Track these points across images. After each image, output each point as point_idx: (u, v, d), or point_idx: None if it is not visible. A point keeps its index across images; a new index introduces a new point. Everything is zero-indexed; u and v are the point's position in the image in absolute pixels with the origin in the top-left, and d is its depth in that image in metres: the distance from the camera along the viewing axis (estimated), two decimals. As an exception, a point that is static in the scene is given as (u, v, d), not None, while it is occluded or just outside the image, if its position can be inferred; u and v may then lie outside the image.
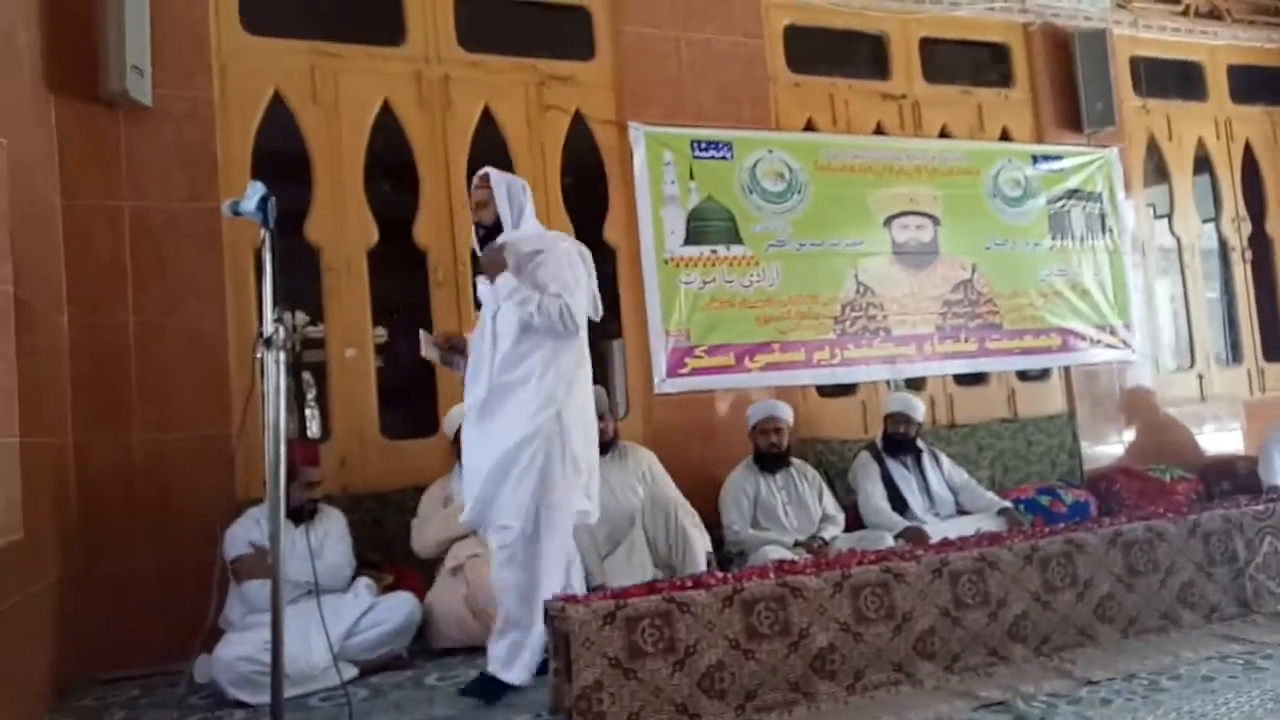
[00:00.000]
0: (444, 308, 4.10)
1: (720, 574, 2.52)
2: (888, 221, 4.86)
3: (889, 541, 3.66)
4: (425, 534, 3.50)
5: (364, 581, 3.23)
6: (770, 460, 4.00)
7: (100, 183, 3.48)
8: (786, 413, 4.07)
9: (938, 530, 3.77)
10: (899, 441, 4.20)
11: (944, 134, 5.11)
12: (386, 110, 4.07)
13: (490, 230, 2.87)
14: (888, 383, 4.83)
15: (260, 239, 2.28)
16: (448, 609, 3.24)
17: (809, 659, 2.34)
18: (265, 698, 2.34)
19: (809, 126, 4.83)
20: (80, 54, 3.39)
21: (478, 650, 2.94)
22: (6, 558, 2.52)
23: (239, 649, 2.79)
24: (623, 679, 2.20)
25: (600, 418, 3.58)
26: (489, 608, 2.98)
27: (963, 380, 5.02)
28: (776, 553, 3.55)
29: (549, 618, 2.47)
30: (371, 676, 3.01)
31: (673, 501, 3.59)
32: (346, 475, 3.83)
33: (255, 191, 2.25)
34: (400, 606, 3.15)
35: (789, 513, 3.96)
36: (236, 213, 2.30)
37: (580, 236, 4.32)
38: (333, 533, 3.26)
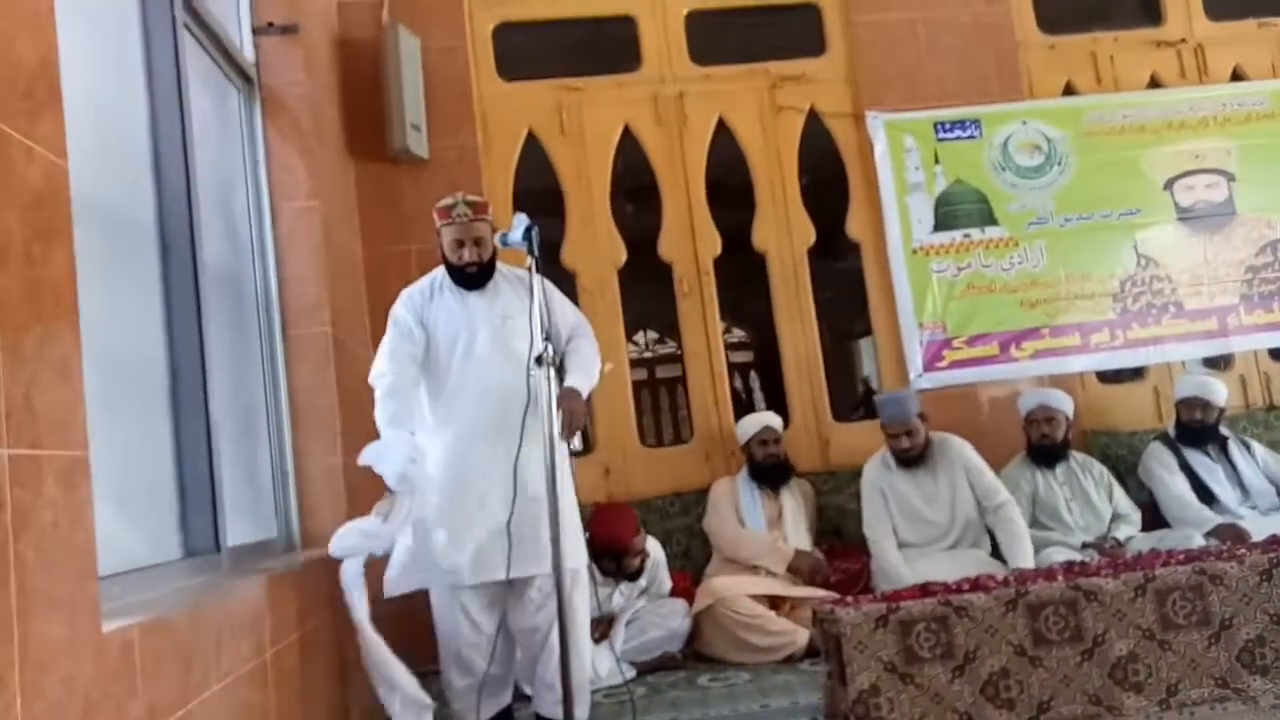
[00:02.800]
0: (690, 316, 4.21)
1: (1000, 576, 2.38)
2: (1169, 184, 4.34)
3: (1198, 541, 3.25)
4: (739, 548, 3.51)
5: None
6: (1046, 454, 3.70)
7: (391, 230, 3.95)
8: (1061, 401, 3.74)
9: (1260, 527, 3.29)
10: (1196, 430, 3.72)
11: (1236, 76, 4.49)
12: (627, 134, 4.26)
13: (484, 267, 2.64)
14: (1183, 364, 4.30)
15: (527, 266, 2.49)
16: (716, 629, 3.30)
17: (1107, 668, 2.14)
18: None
19: (1068, 90, 4.44)
20: (370, 120, 3.87)
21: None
22: (339, 562, 2.91)
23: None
24: (900, 684, 2.14)
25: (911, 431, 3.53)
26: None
27: (1281, 355, 4.36)
28: (1062, 554, 3.27)
29: (818, 620, 2.46)
30: (648, 676, 3.14)
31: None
32: (611, 484, 4.04)
33: (520, 223, 2.45)
34: (673, 611, 3.26)
35: (1073, 510, 3.64)
36: (505, 243, 2.52)
37: (821, 234, 4.32)
38: (660, 562, 3.44)
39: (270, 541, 2.80)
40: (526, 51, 4.31)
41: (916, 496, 3.57)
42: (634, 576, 3.26)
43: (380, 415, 2.55)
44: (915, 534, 3.53)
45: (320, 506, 3.02)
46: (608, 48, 4.40)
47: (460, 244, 2.61)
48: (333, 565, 2.80)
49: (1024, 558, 3.31)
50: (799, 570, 3.44)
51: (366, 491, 3.47)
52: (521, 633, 2.55)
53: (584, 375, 2.58)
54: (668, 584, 3.51)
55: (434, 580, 2.55)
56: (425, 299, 2.68)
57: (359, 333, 3.75)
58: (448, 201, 2.66)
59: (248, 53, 3.18)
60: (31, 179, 1.36)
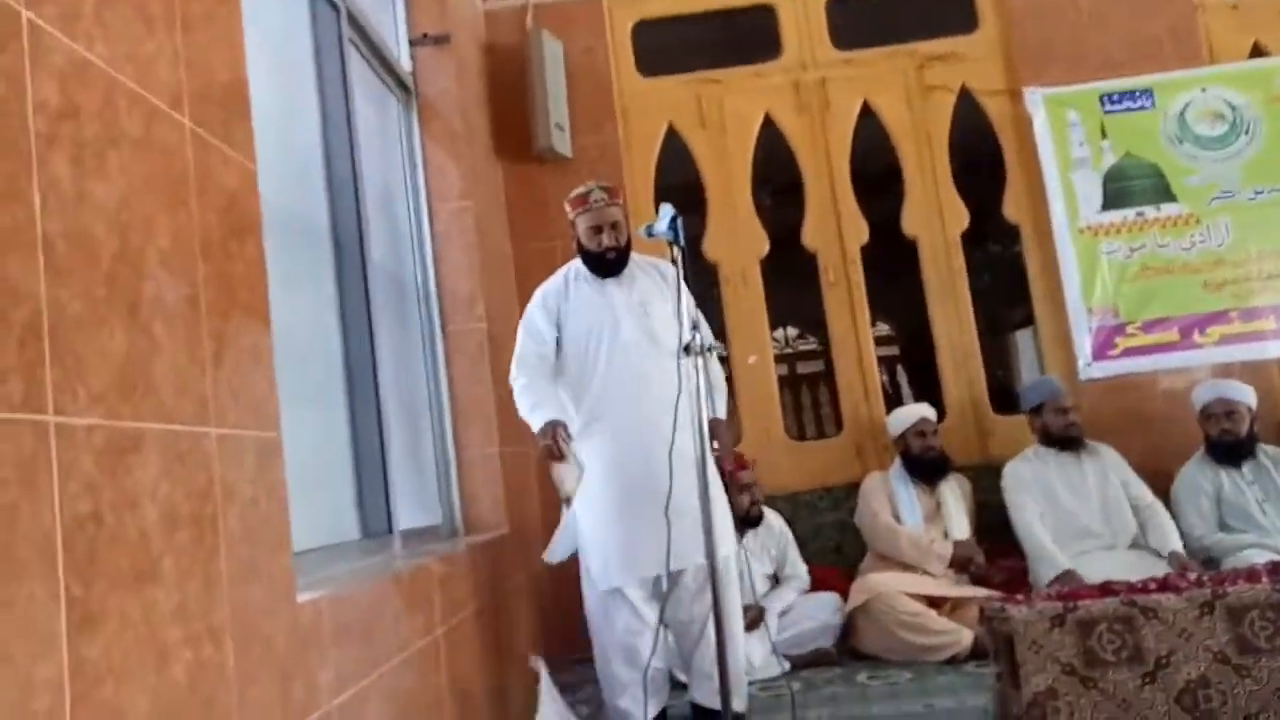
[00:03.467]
0: (836, 307, 4.11)
1: (1194, 576, 2.18)
2: (1379, 148, 3.88)
3: None
4: (895, 546, 3.39)
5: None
6: (1229, 450, 3.38)
7: (537, 227, 4.05)
8: (1241, 392, 3.41)
9: None
10: None
11: None
12: (768, 123, 4.21)
13: (622, 252, 2.65)
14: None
15: (672, 258, 2.48)
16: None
17: (1331, 681, 1.93)
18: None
19: (1256, 52, 4.05)
20: (516, 122, 3.99)
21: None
22: (498, 549, 3.02)
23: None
24: (1081, 688, 1.99)
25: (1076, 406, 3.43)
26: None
27: None
28: (1262, 558, 2.98)
29: (986, 619, 2.33)
30: (802, 670, 3.08)
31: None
32: (758, 476, 3.98)
33: (666, 213, 2.45)
34: (825, 605, 3.19)
35: (1267, 511, 3.31)
36: (651, 234, 2.52)
37: (976, 217, 4.12)
38: (788, 539, 3.42)
39: (435, 527, 2.93)
40: (665, 47, 4.32)
41: (1063, 486, 3.39)
42: (752, 522, 3.17)
43: (522, 408, 2.62)
44: (1061, 526, 3.33)
45: (480, 494, 3.14)
46: (747, 38, 4.35)
47: (598, 229, 2.63)
48: (490, 551, 2.90)
49: (1174, 543, 3.25)
50: (960, 562, 3.29)
51: (521, 477, 3.59)
52: (678, 623, 2.55)
53: (719, 396, 2.58)
54: (801, 566, 3.45)
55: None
56: (561, 295, 2.71)
57: (510, 327, 3.83)
58: (581, 190, 2.70)
59: (405, 63, 3.34)
60: (227, 181, 1.46)
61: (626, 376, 2.57)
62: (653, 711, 2.53)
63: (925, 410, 3.59)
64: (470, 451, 3.17)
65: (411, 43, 3.38)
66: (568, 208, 2.74)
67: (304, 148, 2.47)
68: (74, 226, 1.05)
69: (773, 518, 3.49)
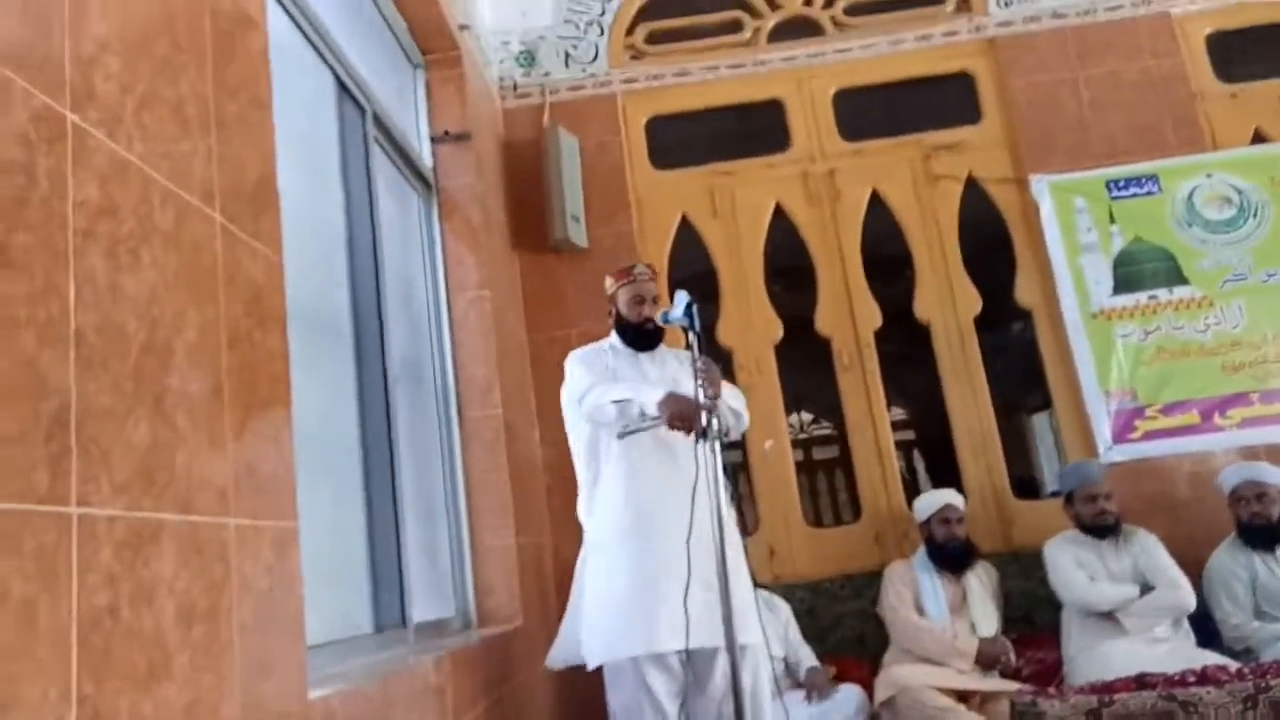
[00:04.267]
0: (851, 391, 4.10)
1: (1235, 668, 2.10)
2: (1386, 230, 3.91)
3: None
4: (918, 642, 3.30)
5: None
6: (1259, 534, 3.29)
7: (553, 316, 4.10)
8: (1271, 474, 3.34)
9: None
10: None
11: None
12: (779, 212, 4.29)
13: (659, 327, 2.63)
14: None
15: (689, 343, 2.50)
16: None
17: (1385, 781, 1.83)
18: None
19: (1258, 138, 4.13)
20: (532, 215, 4.08)
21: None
22: (512, 641, 2.95)
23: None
24: (1122, 788, 1.91)
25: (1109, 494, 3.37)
26: None
27: None
28: (1302, 646, 2.88)
29: (1016, 713, 2.25)
30: (827, 771, 2.96)
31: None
32: (777, 565, 3.91)
33: (681, 300, 2.48)
34: (850, 699, 3.08)
35: (1304, 597, 3.21)
36: (667, 321, 2.56)
37: (988, 303, 4.14)
38: (792, 623, 3.35)
39: (449, 619, 2.88)
40: (678, 141, 4.45)
41: (1101, 572, 3.29)
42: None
43: (616, 395, 2.47)
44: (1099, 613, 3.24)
45: (495, 585, 3.09)
46: (757, 132, 4.48)
47: (640, 301, 2.67)
48: (505, 644, 2.84)
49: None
50: (986, 660, 3.19)
51: (537, 569, 3.54)
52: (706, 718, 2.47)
53: (731, 397, 2.56)
54: (805, 649, 3.37)
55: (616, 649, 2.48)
56: (599, 357, 2.71)
57: (526, 414, 3.87)
58: (624, 265, 2.79)
59: (426, 159, 3.44)
60: (254, 273, 1.50)
61: (651, 448, 2.55)
62: None
63: (951, 496, 3.53)
64: (486, 541, 3.13)
65: (433, 140, 3.50)
66: (609, 282, 2.79)
67: (328, 240, 2.54)
68: (105, 320, 1.07)
69: (775, 600, 3.40)
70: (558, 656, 2.62)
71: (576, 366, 2.68)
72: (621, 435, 2.47)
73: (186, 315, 1.26)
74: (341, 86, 2.65)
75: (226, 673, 1.21)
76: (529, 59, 4.36)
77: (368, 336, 2.57)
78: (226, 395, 1.33)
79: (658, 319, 2.61)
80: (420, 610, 2.56)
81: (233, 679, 1.22)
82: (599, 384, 2.56)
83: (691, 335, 2.42)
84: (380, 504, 2.45)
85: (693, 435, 2.30)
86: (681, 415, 2.32)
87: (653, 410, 2.38)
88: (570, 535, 3.84)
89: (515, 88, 4.33)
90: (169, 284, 1.22)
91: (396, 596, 2.39)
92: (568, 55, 4.38)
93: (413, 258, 3.26)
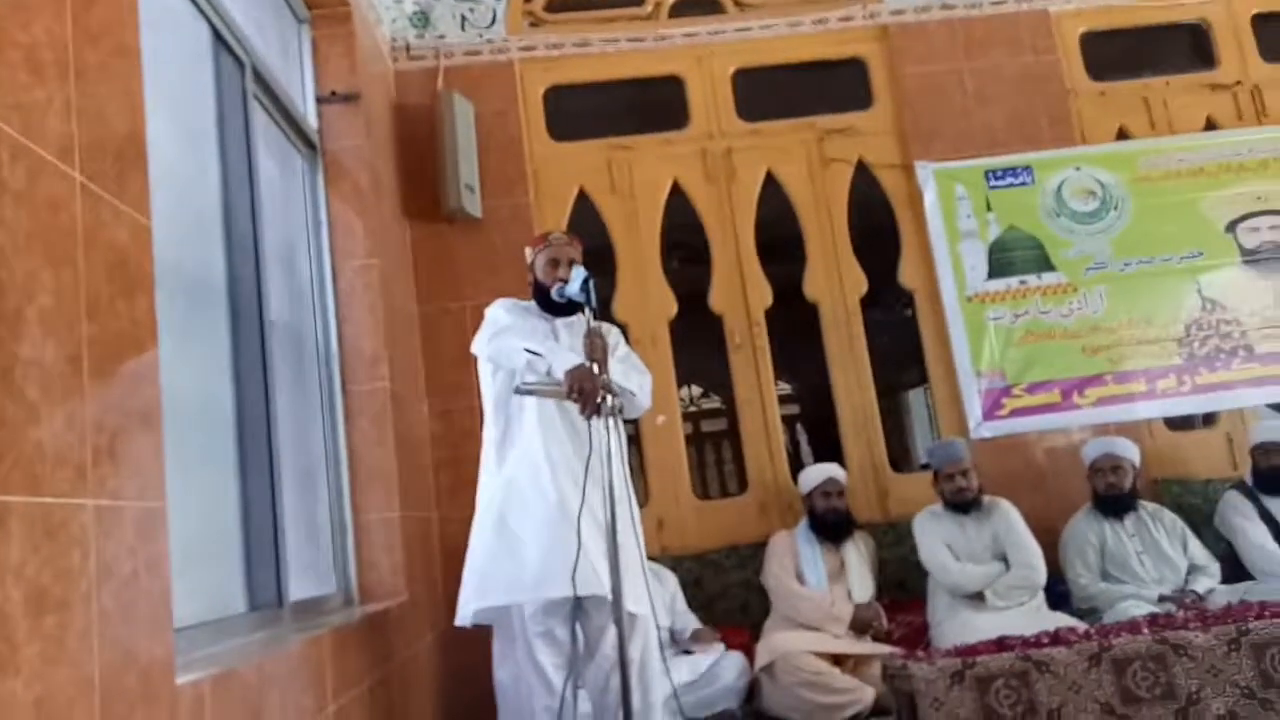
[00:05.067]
0: (742, 369, 4.18)
1: (1082, 629, 2.27)
2: (1231, 227, 4.25)
3: (1287, 594, 3.09)
4: (796, 609, 3.42)
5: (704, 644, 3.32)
6: (1113, 504, 3.57)
7: (445, 288, 4.01)
8: (1127, 449, 3.63)
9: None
10: (1274, 477, 3.57)
11: (1296, 116, 4.41)
12: (676, 190, 4.31)
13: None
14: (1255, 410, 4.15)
15: (586, 319, 2.49)
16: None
17: (1205, 730, 2.03)
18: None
19: (1121, 135, 4.40)
20: (425, 182, 3.97)
21: None
22: (395, 617, 2.91)
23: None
24: (980, 745, 2.04)
25: (967, 471, 3.56)
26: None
27: (1360, 400, 4.19)
28: (1140, 609, 3.13)
29: (888, 676, 2.37)
30: (709, 732, 3.05)
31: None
32: (665, 537, 3.98)
33: (578, 275, 2.48)
34: (731, 665, 3.18)
35: (1145, 563, 3.50)
36: (564, 296, 2.54)
37: (874, 283, 4.30)
38: (677, 592, 3.41)
39: (329, 596, 2.80)
40: (577, 113, 4.40)
41: (964, 546, 3.50)
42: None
43: (531, 344, 2.46)
44: None
45: (379, 560, 3.02)
46: (656, 107, 4.48)
47: (556, 264, 2.63)
48: (387, 621, 2.79)
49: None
50: (860, 625, 3.34)
51: (424, 543, 3.49)
52: (596, 693, 2.49)
53: (625, 375, 2.55)
54: (690, 618, 3.48)
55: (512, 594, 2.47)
56: (519, 309, 2.68)
57: (415, 388, 3.79)
58: (541, 232, 2.82)
59: (311, 120, 3.29)
60: (118, 237, 1.40)
61: (557, 414, 2.53)
62: None
63: (833, 471, 3.67)
64: (369, 516, 3.06)
65: (319, 99, 3.34)
66: (528, 251, 2.78)
67: (203, 202, 2.40)
68: (-58, 285, 0.98)
69: (663, 571, 3.48)
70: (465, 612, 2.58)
71: (497, 309, 2.67)
72: (518, 391, 2.46)
73: (40, 279, 1.17)
74: (218, 38, 2.50)
75: (83, 663, 1.14)
76: (423, 20, 4.22)
77: (245, 304, 2.45)
78: (86, 366, 1.24)
79: (554, 294, 2.59)
80: (299, 588, 2.49)
81: (91, 670, 1.15)
82: (518, 330, 2.54)
83: (587, 310, 2.42)
84: (256, 479, 2.35)
85: (587, 411, 2.31)
86: (581, 389, 2.32)
87: (559, 374, 2.36)
88: (458, 509, 3.81)
89: (408, 49, 4.18)
90: (19, 247, 1.13)
91: (272, 574, 2.31)
92: (464, 19, 4.25)
93: (295, 223, 3.12)
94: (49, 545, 1.10)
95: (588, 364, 2.36)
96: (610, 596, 2.27)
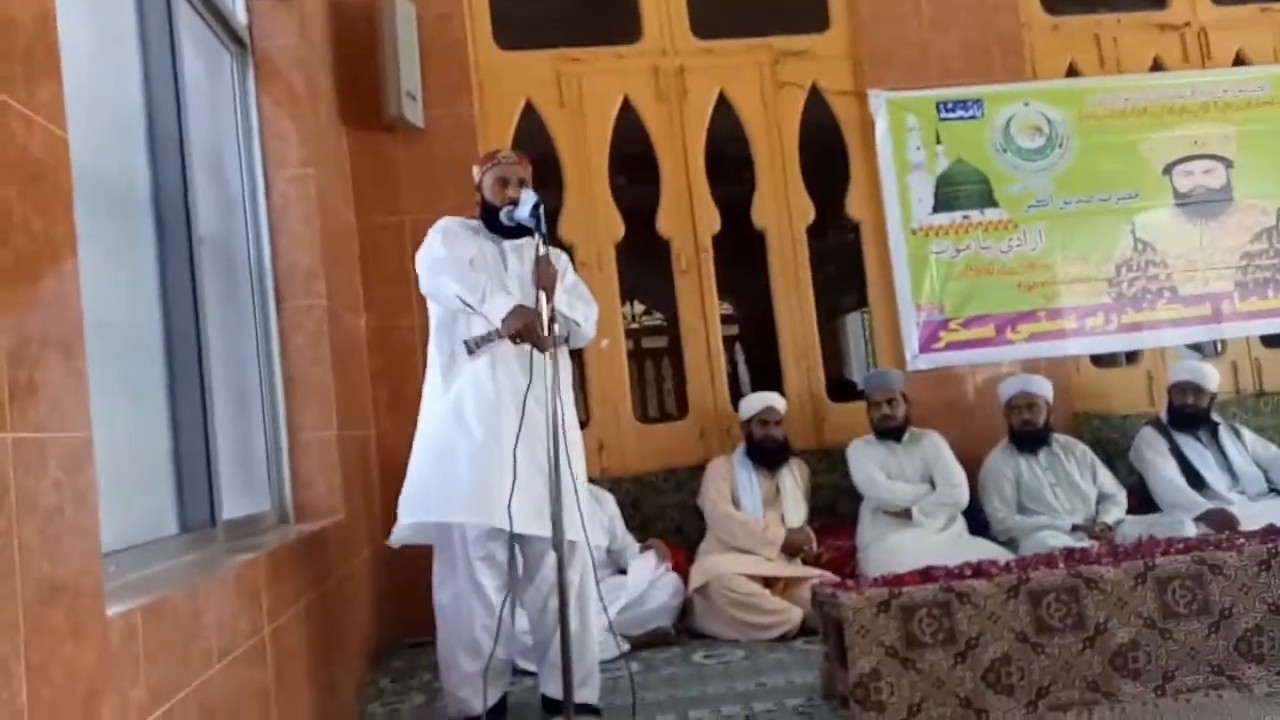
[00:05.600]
0: (687, 294, 4.18)
1: (1003, 562, 2.39)
2: (1167, 169, 4.34)
3: (1188, 526, 3.29)
4: (731, 533, 3.50)
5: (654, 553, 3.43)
6: (1027, 439, 3.72)
7: (384, 200, 3.88)
8: (1040, 386, 3.76)
9: (1249, 513, 3.33)
10: (1188, 415, 3.75)
11: (1239, 61, 4.48)
12: (627, 106, 4.20)
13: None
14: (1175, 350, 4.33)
15: (535, 245, 2.41)
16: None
17: (1108, 656, 2.17)
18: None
19: (1071, 72, 4.42)
20: (364, 88, 3.78)
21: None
22: (332, 536, 2.90)
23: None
24: (901, 669, 2.15)
25: (893, 400, 3.65)
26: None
27: (1272, 342, 4.39)
28: (1055, 539, 3.30)
29: (817, 602, 2.46)
30: (641, 651, 3.14)
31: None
32: (605, 459, 4.02)
33: (528, 200, 2.40)
34: (665, 586, 3.27)
35: (1058, 495, 3.68)
36: (513, 220, 2.47)
37: (821, 212, 4.29)
38: (616, 514, 3.47)
39: (263, 515, 2.77)
40: (525, 19, 4.22)
41: (894, 470, 3.66)
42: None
43: (463, 290, 2.41)
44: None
45: (315, 479, 2.99)
46: (607, 18, 4.32)
47: (504, 183, 2.55)
48: (324, 540, 2.78)
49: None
50: (791, 548, 3.46)
51: (360, 462, 3.46)
52: (533, 612, 2.54)
53: (571, 306, 2.53)
54: (629, 538, 3.56)
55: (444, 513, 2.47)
56: (463, 231, 2.60)
57: (353, 304, 3.70)
58: (489, 151, 2.73)
59: (240, 16, 3.09)
60: (32, 150, 1.31)
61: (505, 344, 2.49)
62: (491, 700, 2.52)
63: (772, 400, 3.73)
64: (305, 435, 3.01)
65: (249, -7, 3.13)
66: (475, 170, 2.68)
67: (123, 107, 2.24)
68: None
69: (601, 493, 3.53)
70: (400, 531, 2.59)
71: (437, 236, 2.57)
72: (469, 352, 2.44)
73: (-59, 201, 1.08)
74: (136, -77, 2.29)
75: (5, 601, 1.10)
76: (363, -91, 3.94)
77: (171, 217, 2.32)
78: (0, 293, 1.17)
79: (502, 217, 2.51)
80: (233, 507, 2.45)
81: (14, 608, 1.12)
82: (455, 261, 2.47)
83: (537, 236, 2.36)
84: (186, 399, 2.28)
85: (536, 348, 2.29)
86: (523, 331, 2.31)
87: (496, 323, 2.36)
88: (397, 425, 3.78)
89: (346, -60, 3.92)
90: (-84, 164, 1.04)
91: (205, 495, 2.27)
92: (407, -90, 3.99)
93: (224, 128, 2.95)
94: (-36, 483, 1.05)
95: (519, 304, 2.35)
96: (542, 534, 2.30)
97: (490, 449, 2.40)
